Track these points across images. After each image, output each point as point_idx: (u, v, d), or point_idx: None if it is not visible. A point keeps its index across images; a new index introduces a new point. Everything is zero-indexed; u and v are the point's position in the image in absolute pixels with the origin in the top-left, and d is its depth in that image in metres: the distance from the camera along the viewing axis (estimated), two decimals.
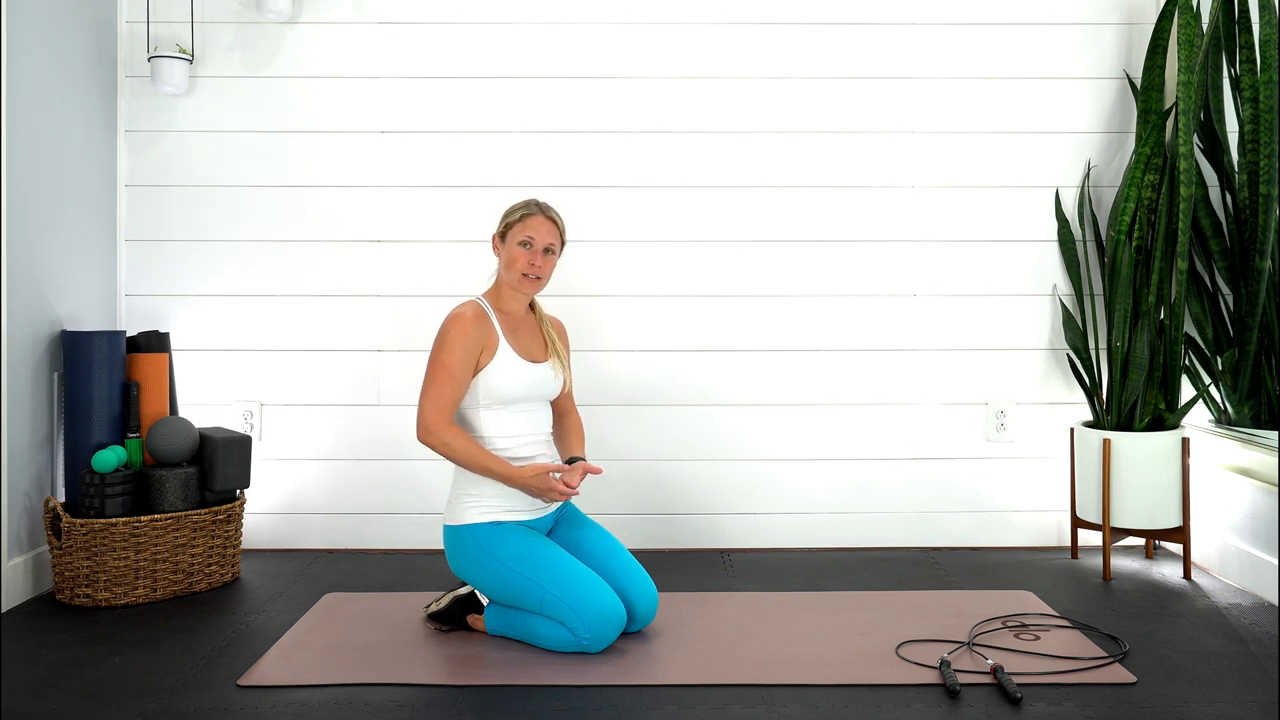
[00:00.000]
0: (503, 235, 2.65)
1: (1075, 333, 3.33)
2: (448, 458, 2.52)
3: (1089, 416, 3.37)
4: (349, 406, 3.41)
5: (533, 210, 2.63)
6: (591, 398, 3.35)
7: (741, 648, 2.47)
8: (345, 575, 3.12)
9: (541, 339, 2.71)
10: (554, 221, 2.63)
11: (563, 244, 2.68)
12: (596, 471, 2.57)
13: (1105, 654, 2.42)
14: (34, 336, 2.92)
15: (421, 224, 3.40)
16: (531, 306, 2.75)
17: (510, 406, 2.58)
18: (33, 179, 2.91)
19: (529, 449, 2.61)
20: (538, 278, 2.61)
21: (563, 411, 2.80)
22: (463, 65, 3.39)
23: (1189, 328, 3.27)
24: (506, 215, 2.66)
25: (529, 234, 2.60)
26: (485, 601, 2.56)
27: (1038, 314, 3.44)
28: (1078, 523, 3.26)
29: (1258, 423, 3.05)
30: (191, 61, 3.34)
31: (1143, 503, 3.07)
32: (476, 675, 2.30)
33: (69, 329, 3.03)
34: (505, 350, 2.58)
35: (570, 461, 2.66)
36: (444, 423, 2.50)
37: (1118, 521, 3.09)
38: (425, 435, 2.52)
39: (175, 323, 3.38)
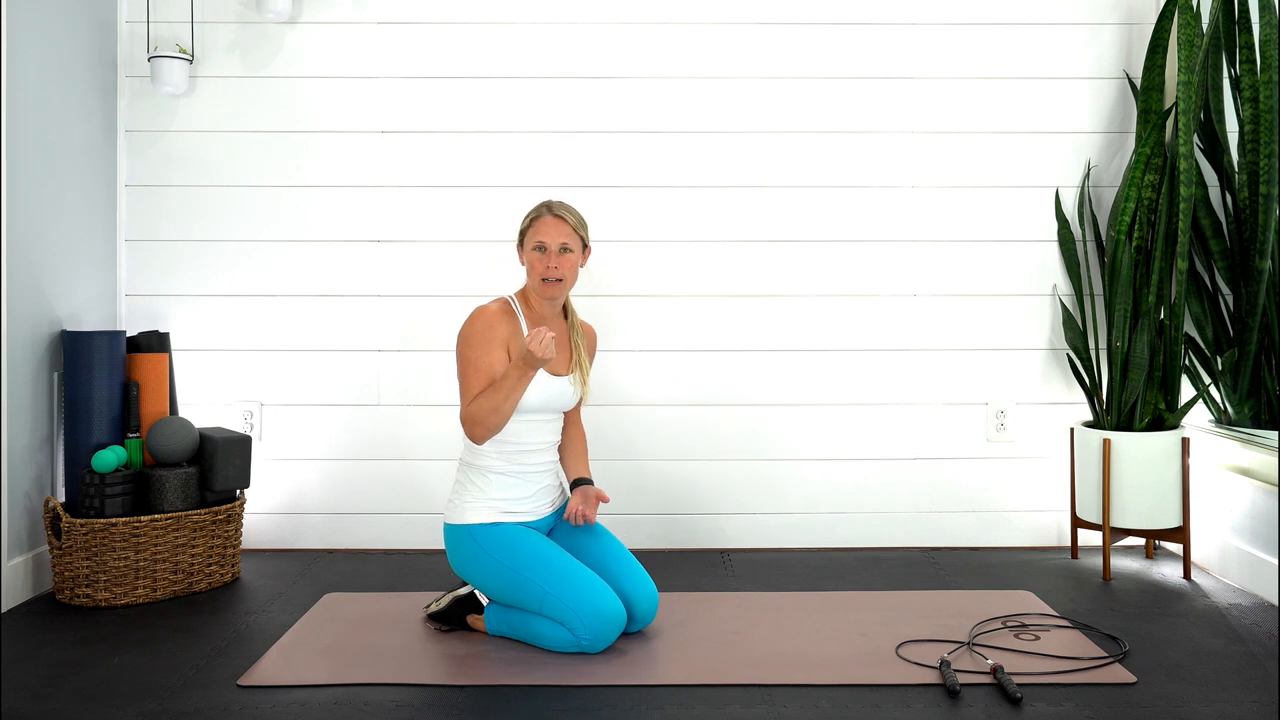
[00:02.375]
0: (521, 243, 2.63)
1: (1075, 333, 3.33)
2: (491, 426, 2.45)
3: (1089, 416, 3.37)
4: (349, 406, 3.41)
5: (541, 212, 2.60)
6: (592, 398, 3.35)
7: (741, 648, 2.47)
8: (345, 575, 3.12)
9: (568, 350, 2.67)
10: (564, 219, 2.57)
11: (585, 242, 2.62)
12: (606, 500, 2.61)
13: (1105, 654, 2.42)
14: (34, 336, 2.92)
15: (422, 224, 3.40)
16: (566, 313, 2.71)
17: (523, 415, 2.55)
18: (33, 179, 2.91)
19: (537, 455, 2.60)
20: (559, 280, 2.57)
21: (569, 421, 2.76)
22: (463, 65, 3.39)
23: (1189, 328, 3.27)
24: (521, 222, 2.64)
25: (540, 238, 2.57)
26: (485, 601, 2.56)
27: (1038, 314, 3.44)
28: (1078, 523, 3.26)
29: (1258, 423, 3.05)
30: (191, 61, 3.34)
31: (1143, 503, 3.07)
32: (476, 675, 2.30)
33: (69, 329, 3.03)
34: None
35: (576, 484, 2.66)
36: (468, 408, 2.49)
37: (1118, 521, 3.09)
38: (472, 431, 2.47)
39: (175, 323, 3.38)
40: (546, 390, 2.56)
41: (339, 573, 3.15)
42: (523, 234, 2.62)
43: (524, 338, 2.43)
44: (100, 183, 3.27)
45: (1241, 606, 2.80)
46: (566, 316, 2.71)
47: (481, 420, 2.46)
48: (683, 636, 2.55)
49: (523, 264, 2.64)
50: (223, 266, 3.40)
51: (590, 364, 2.76)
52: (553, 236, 2.57)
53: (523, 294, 2.66)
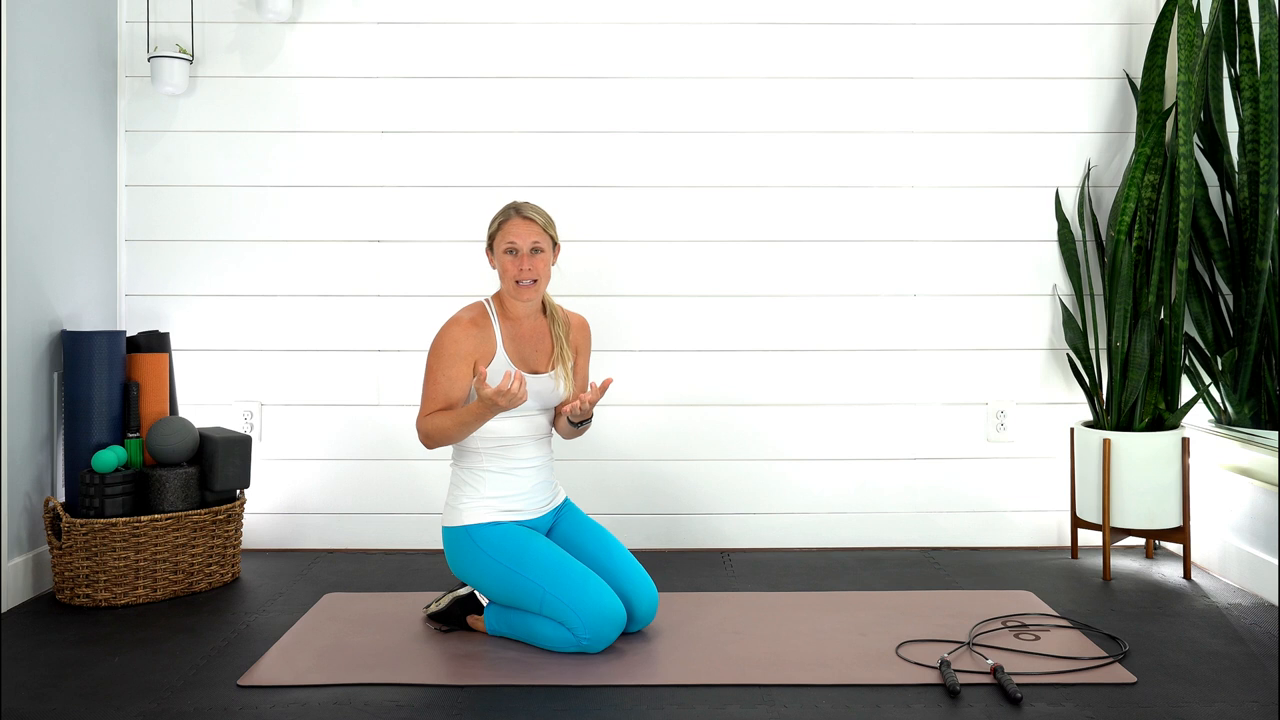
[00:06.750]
0: (490, 247, 2.62)
1: (1075, 333, 3.33)
2: (439, 443, 2.52)
3: (1089, 416, 3.37)
4: (349, 406, 3.41)
5: (509, 215, 2.58)
6: None
7: (741, 648, 2.47)
8: (345, 575, 3.12)
9: (549, 346, 2.66)
10: (533, 220, 2.56)
11: (554, 240, 2.62)
12: (610, 381, 2.51)
13: (1105, 654, 2.42)
14: (34, 336, 2.92)
15: (421, 224, 3.40)
16: (545, 309, 2.70)
17: (506, 412, 2.53)
18: (33, 179, 2.91)
19: (525, 449, 2.60)
20: (533, 280, 2.56)
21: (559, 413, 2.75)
22: (463, 65, 3.39)
23: (1189, 328, 3.27)
24: (489, 226, 2.63)
25: (510, 240, 2.56)
26: (485, 602, 2.56)
27: (1038, 314, 3.44)
28: (1078, 523, 3.26)
29: (1258, 423, 3.05)
30: (191, 61, 3.34)
31: (1143, 503, 3.07)
32: (476, 675, 2.30)
33: (69, 329, 3.03)
34: (501, 360, 2.55)
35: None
36: (424, 421, 2.53)
37: (1118, 521, 3.09)
38: (421, 440, 2.55)
39: (175, 323, 3.39)
40: (527, 388, 2.53)
41: (339, 573, 3.15)
42: (491, 238, 2.61)
43: (489, 386, 2.38)
44: (100, 183, 3.27)
45: (1241, 606, 2.81)
46: (546, 313, 2.70)
47: (433, 436, 2.51)
48: (683, 636, 2.55)
49: (494, 268, 2.63)
50: (223, 266, 3.40)
51: (586, 355, 2.75)
52: (523, 238, 2.55)
53: (498, 297, 2.64)
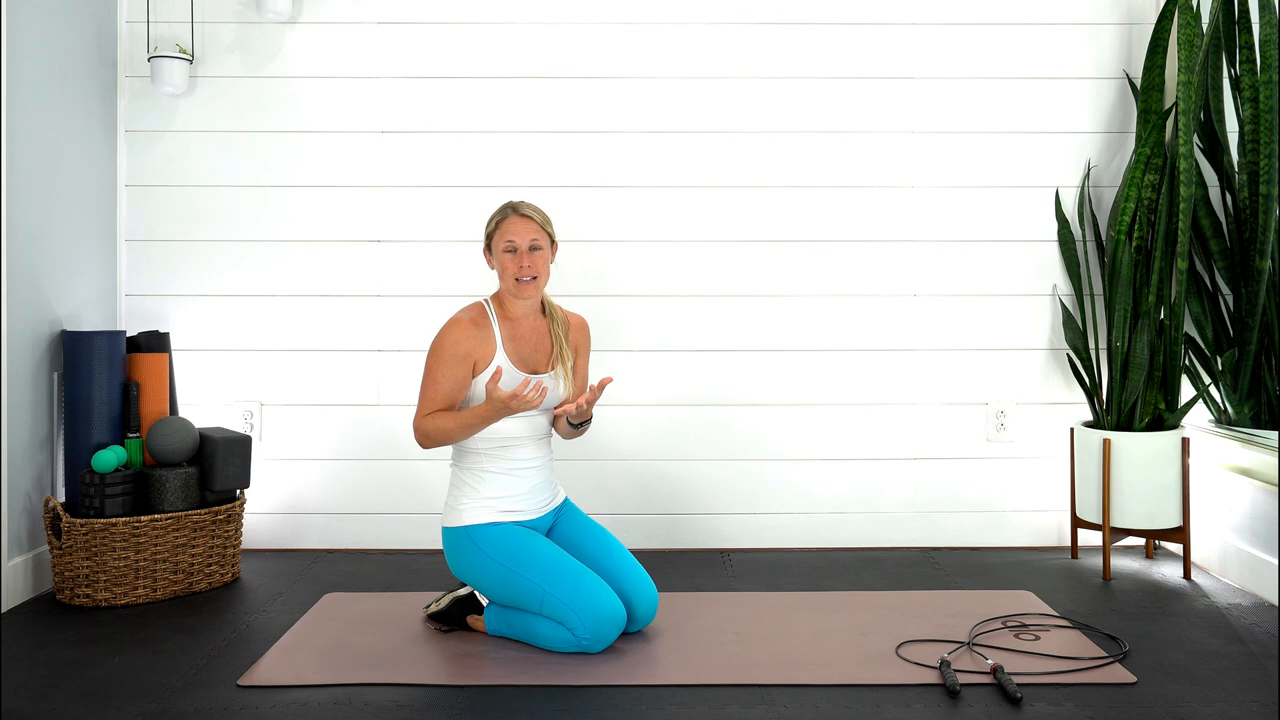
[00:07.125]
0: (489, 247, 2.63)
1: (1075, 333, 3.33)
2: (438, 443, 2.52)
3: (1089, 416, 3.37)
4: (349, 406, 3.41)
5: (507, 213, 2.59)
6: None
7: (741, 648, 2.47)
8: (345, 575, 3.12)
9: (549, 346, 2.67)
10: (530, 218, 2.57)
11: (552, 238, 2.62)
12: (609, 380, 2.50)
13: (1105, 654, 2.42)
14: (34, 336, 2.92)
15: (421, 224, 3.40)
16: (544, 308, 2.70)
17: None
18: (33, 179, 2.91)
19: (525, 449, 2.60)
20: (533, 277, 2.56)
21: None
22: (463, 65, 3.39)
23: (1189, 328, 3.27)
24: (486, 226, 2.63)
25: (509, 238, 2.56)
26: (485, 602, 2.56)
27: (1038, 314, 3.44)
28: (1078, 523, 3.26)
29: (1258, 423, 3.05)
30: (191, 61, 3.34)
31: (1143, 503, 3.07)
32: (476, 675, 2.30)
33: (69, 329, 3.03)
34: (501, 360, 2.56)
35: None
36: (424, 421, 2.52)
37: (1118, 521, 3.10)
38: (419, 440, 2.54)
39: (175, 323, 3.39)
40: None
41: (339, 573, 3.15)
42: (489, 237, 2.61)
43: (502, 390, 2.41)
44: (100, 183, 3.27)
45: (1241, 606, 2.81)
46: (545, 312, 2.70)
47: (432, 437, 2.51)
48: (683, 636, 2.55)
49: (492, 268, 2.63)
50: (222, 266, 3.40)
51: (585, 355, 2.75)
52: (522, 235, 2.56)
53: (497, 297, 2.64)
